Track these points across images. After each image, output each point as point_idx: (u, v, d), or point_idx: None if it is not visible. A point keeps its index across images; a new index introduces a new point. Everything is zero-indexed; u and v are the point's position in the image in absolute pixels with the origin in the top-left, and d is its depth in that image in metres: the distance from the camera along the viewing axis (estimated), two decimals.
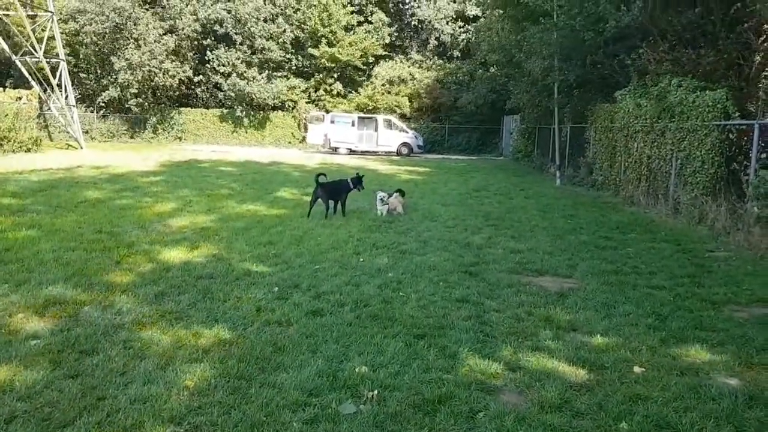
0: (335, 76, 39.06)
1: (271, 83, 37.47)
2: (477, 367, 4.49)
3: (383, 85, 39.45)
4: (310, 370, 4.26)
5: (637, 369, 4.59)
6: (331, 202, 11.07)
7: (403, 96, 39.56)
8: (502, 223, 11.36)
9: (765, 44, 12.77)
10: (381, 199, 11.46)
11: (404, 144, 34.50)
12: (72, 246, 7.88)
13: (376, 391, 3.93)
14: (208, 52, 37.09)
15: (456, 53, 40.62)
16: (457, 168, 25.98)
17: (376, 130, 34.51)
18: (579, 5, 16.32)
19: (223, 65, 36.56)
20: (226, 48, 36.93)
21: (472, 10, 37.89)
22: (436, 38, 40.53)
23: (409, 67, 40.16)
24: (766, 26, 11.80)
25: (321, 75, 38.88)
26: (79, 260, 7.17)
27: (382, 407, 3.78)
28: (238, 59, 36.58)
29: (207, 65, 37.33)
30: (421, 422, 3.62)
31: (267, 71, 37.68)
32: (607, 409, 3.89)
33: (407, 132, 35.26)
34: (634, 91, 14.51)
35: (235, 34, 36.44)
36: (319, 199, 11.00)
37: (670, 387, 4.26)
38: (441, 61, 41.02)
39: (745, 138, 10.29)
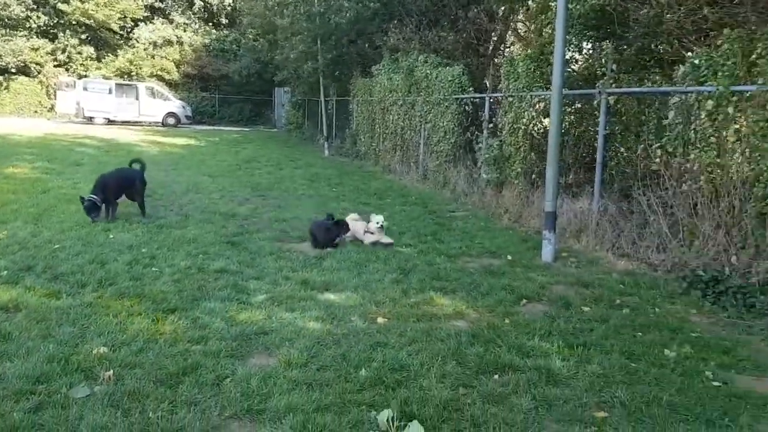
0: (87, 37, 35.07)
1: (10, 41, 32.35)
2: (228, 334, 4.51)
3: (146, 48, 36.51)
4: (39, 357, 3.88)
5: (380, 320, 4.98)
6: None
7: (169, 60, 37.09)
8: (270, 193, 11.52)
9: (498, 27, 14.54)
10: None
11: (171, 114, 32.58)
12: None
13: (112, 371, 3.73)
14: None
15: (223, 20, 39.18)
16: (229, 139, 25.49)
17: (137, 98, 31.99)
18: None
19: None
20: None
21: None
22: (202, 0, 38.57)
23: (174, 29, 37.65)
24: (496, 10, 13.43)
25: (70, 34, 34.48)
26: None
27: (119, 386, 3.60)
28: None
29: None
30: (163, 396, 3.53)
31: (4, 29, 32.40)
32: (350, 359, 4.17)
33: (174, 101, 33.31)
34: (387, 66, 15.51)
35: None
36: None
37: (406, 333, 4.68)
38: (207, 27, 39.27)
39: (480, 110, 11.66)
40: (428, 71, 13.03)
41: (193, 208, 9.49)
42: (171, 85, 36.73)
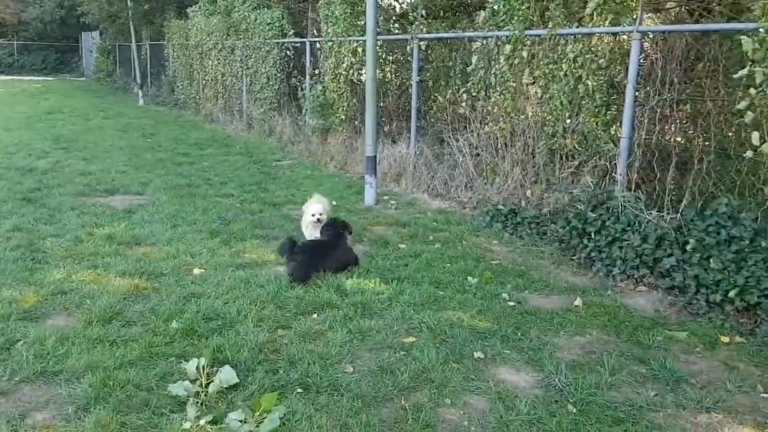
0: None
1: None
2: (20, 297, 4.08)
3: None
4: None
5: (196, 271, 4.80)
6: None
7: None
8: (74, 145, 10.71)
9: None
10: None
11: None
12: None
13: None
14: None
15: None
16: (29, 90, 23.18)
17: None
18: None
19: None
20: None
21: None
22: None
23: None
24: None
25: None
26: None
27: None
28: None
29: None
30: None
31: None
32: (159, 313, 3.97)
33: None
34: (204, 7, 14.60)
35: None
36: None
37: (224, 282, 4.56)
38: None
39: (302, 56, 11.43)
40: (247, 13, 12.46)
41: None
42: None
